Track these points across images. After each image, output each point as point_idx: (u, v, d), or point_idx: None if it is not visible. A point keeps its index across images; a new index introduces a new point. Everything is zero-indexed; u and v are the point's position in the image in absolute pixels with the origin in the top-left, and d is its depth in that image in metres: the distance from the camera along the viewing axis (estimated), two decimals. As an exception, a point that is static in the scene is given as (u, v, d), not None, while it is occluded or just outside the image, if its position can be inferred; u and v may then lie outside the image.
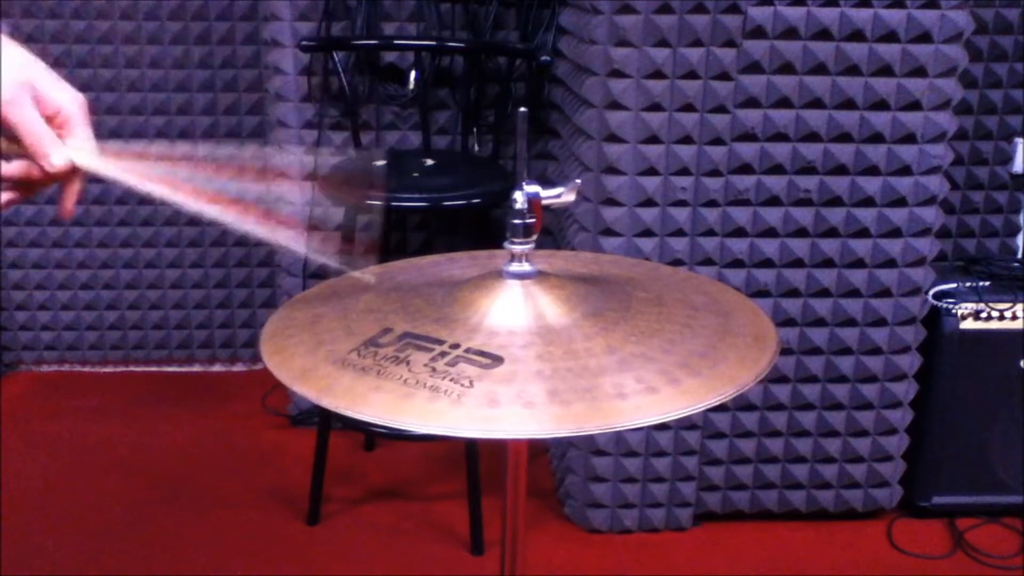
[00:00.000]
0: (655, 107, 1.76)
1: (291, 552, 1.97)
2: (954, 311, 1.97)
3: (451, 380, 0.75)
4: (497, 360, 0.77)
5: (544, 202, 0.89)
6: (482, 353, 0.78)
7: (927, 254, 1.89)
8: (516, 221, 0.88)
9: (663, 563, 1.96)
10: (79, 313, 2.72)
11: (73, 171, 0.82)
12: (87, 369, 2.76)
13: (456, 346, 0.79)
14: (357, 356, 0.80)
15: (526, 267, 0.89)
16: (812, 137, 1.80)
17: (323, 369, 0.79)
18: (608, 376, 0.75)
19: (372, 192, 1.89)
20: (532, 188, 0.88)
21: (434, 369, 0.76)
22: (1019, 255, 2.37)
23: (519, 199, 0.88)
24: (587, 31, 1.80)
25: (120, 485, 2.19)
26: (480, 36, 2.29)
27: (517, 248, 0.89)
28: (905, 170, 1.82)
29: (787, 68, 1.76)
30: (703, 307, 0.90)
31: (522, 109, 0.89)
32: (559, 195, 0.90)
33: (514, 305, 0.85)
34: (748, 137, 1.80)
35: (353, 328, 0.86)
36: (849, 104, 1.78)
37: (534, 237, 0.90)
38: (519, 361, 0.77)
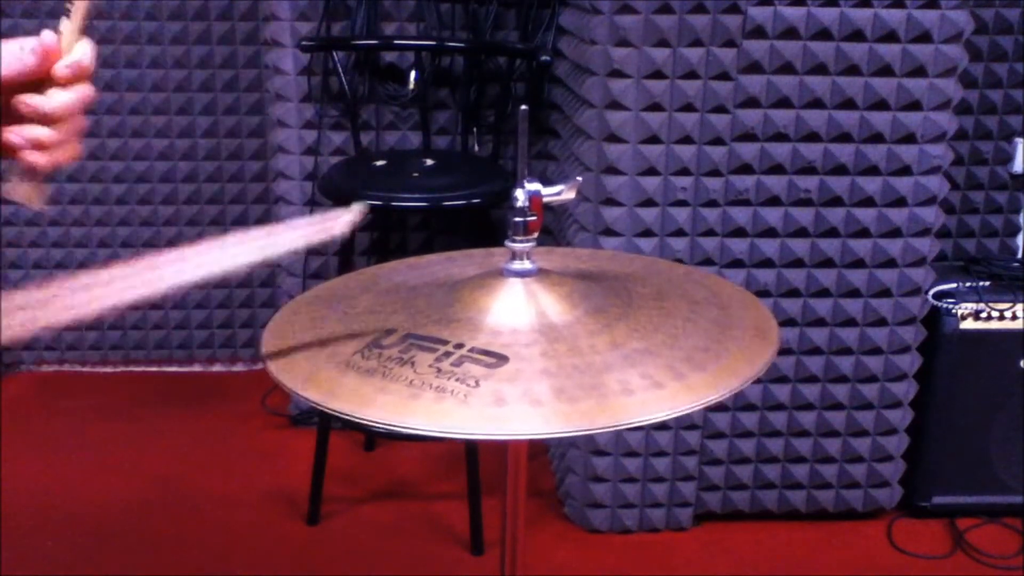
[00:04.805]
0: (655, 107, 1.76)
1: (291, 552, 1.97)
2: (954, 311, 1.98)
3: (457, 380, 0.74)
4: (502, 359, 0.77)
5: (545, 200, 0.89)
6: (487, 352, 0.78)
7: (927, 254, 1.89)
8: (517, 219, 0.88)
9: (663, 563, 1.96)
10: (79, 313, 2.72)
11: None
12: (87, 369, 2.76)
13: (460, 346, 0.79)
14: (361, 358, 0.80)
15: (527, 265, 0.89)
16: (812, 137, 1.80)
17: (328, 372, 0.79)
18: (613, 372, 0.75)
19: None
20: (533, 186, 0.89)
21: (439, 369, 0.76)
22: (1019, 255, 2.37)
23: (520, 197, 0.88)
24: (587, 31, 1.81)
25: (120, 485, 2.19)
26: (480, 36, 2.29)
27: (518, 246, 0.89)
28: (905, 170, 1.82)
29: (787, 68, 1.76)
30: (703, 301, 0.91)
31: (523, 107, 0.89)
32: (559, 192, 0.91)
33: (516, 303, 0.85)
34: (748, 137, 1.80)
35: (355, 330, 0.85)
36: (849, 104, 1.78)
37: (535, 235, 0.90)
38: (524, 359, 0.77)
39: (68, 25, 0.77)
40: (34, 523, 2.03)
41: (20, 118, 0.76)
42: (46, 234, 2.65)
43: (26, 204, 0.78)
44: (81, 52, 0.77)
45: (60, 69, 0.76)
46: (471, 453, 1.94)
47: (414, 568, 1.93)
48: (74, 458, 2.30)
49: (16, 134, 0.75)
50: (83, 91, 0.77)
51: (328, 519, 2.06)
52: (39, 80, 0.76)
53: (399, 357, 0.78)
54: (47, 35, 0.75)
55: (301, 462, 2.18)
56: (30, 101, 0.75)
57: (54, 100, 0.76)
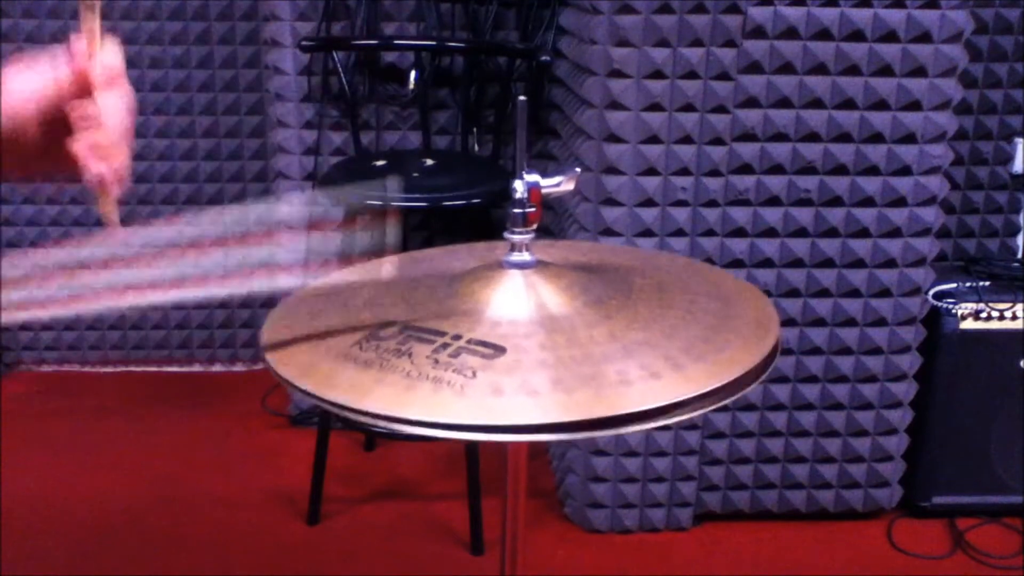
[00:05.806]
0: (655, 107, 1.76)
1: (291, 552, 1.96)
2: (954, 311, 1.97)
3: (454, 371, 0.74)
4: (500, 350, 0.77)
5: (544, 191, 0.89)
6: (484, 344, 0.78)
7: (927, 254, 1.89)
8: (516, 210, 0.88)
9: (663, 563, 1.96)
10: (79, 313, 2.72)
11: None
12: (87, 369, 2.76)
13: (458, 337, 0.79)
14: (359, 350, 0.80)
15: (526, 257, 0.89)
16: (812, 137, 1.80)
17: (325, 364, 0.79)
18: (612, 363, 0.75)
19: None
20: (532, 177, 0.89)
21: (436, 361, 0.76)
22: (1019, 255, 2.37)
23: (519, 188, 0.88)
24: (587, 31, 1.81)
25: (120, 485, 2.18)
26: (480, 36, 2.29)
27: (517, 238, 0.89)
28: (905, 170, 1.82)
29: (787, 68, 1.76)
30: (703, 293, 0.90)
31: (521, 98, 0.89)
32: (559, 183, 0.91)
33: (515, 295, 0.85)
34: (748, 137, 1.80)
35: (354, 322, 0.85)
36: (849, 104, 1.78)
37: (534, 226, 0.89)
38: (522, 351, 0.77)
39: (87, 24, 0.76)
40: (34, 523, 2.03)
41: (75, 127, 0.74)
42: (46, 234, 2.65)
43: (105, 218, 0.78)
44: (109, 53, 0.76)
45: (95, 72, 0.75)
46: (471, 453, 1.94)
47: (414, 568, 1.92)
48: (74, 458, 2.30)
49: (80, 143, 0.74)
50: (123, 92, 0.76)
51: (328, 519, 2.06)
52: (81, 88, 0.75)
53: (397, 348, 0.78)
54: (75, 41, 0.75)
55: (301, 462, 2.18)
56: (80, 108, 0.74)
57: (100, 103, 0.75)
